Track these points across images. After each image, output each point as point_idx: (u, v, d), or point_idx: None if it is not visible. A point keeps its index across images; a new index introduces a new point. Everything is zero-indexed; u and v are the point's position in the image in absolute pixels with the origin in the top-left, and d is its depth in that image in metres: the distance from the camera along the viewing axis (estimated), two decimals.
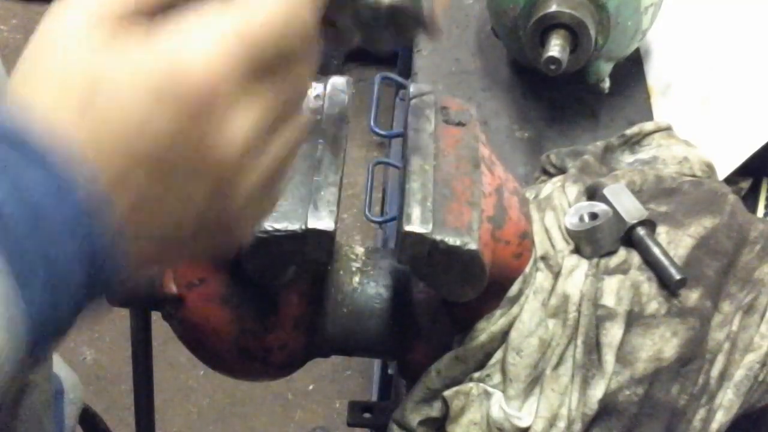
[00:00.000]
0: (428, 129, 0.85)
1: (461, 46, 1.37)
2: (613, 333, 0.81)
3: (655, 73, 1.32)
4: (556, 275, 0.83)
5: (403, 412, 0.85)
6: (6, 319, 0.41)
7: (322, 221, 0.76)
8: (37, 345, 0.44)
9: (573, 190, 0.89)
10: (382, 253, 0.89)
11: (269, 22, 0.51)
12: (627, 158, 1.01)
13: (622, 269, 0.83)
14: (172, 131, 0.48)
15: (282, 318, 0.84)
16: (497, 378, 0.82)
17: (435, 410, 0.85)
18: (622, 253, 0.84)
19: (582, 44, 1.17)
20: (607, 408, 0.82)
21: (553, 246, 0.84)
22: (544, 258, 0.83)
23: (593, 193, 0.88)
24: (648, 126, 1.02)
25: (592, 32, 1.17)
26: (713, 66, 1.28)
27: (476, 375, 0.83)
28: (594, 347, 0.82)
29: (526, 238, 0.83)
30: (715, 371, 0.84)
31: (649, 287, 0.83)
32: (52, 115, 0.47)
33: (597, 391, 0.81)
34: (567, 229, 0.85)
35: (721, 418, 0.84)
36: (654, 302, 0.83)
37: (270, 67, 0.51)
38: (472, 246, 0.77)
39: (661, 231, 0.86)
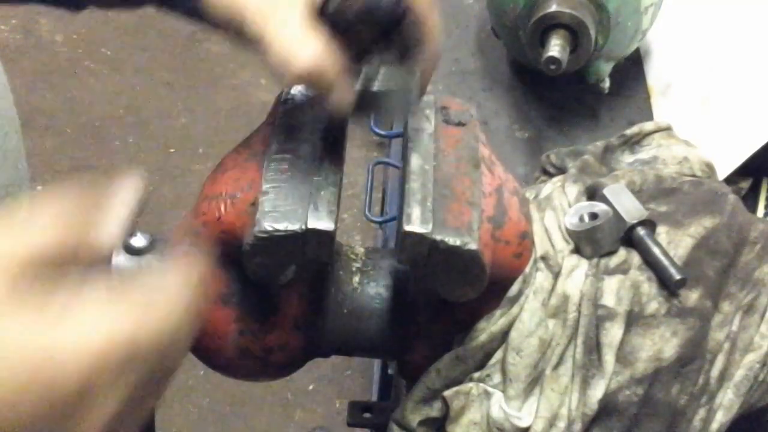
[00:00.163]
0: (428, 129, 0.85)
1: (461, 46, 1.37)
2: (613, 333, 0.81)
3: (655, 73, 1.32)
4: (556, 275, 0.83)
5: (403, 412, 0.85)
6: None
7: (322, 221, 0.76)
8: None
9: (573, 190, 0.89)
10: (382, 253, 0.89)
11: (160, 332, 0.51)
12: (627, 158, 1.01)
13: (622, 269, 0.84)
14: (35, 415, 0.48)
15: (282, 318, 0.84)
16: (497, 378, 0.82)
17: (435, 410, 0.85)
18: (622, 253, 0.84)
19: (582, 44, 1.17)
20: (607, 408, 0.82)
21: (553, 246, 0.85)
22: (544, 258, 0.84)
23: (593, 193, 0.88)
24: (648, 126, 1.02)
25: (592, 32, 1.17)
26: (713, 66, 1.28)
27: (476, 375, 0.83)
28: (594, 347, 0.82)
29: (526, 238, 0.83)
30: (715, 371, 0.84)
31: (649, 287, 0.83)
32: None
33: (597, 391, 0.81)
34: (567, 229, 0.85)
35: (721, 418, 0.84)
36: (654, 302, 0.83)
37: (143, 373, 0.51)
38: (472, 246, 0.77)
39: (661, 231, 0.86)
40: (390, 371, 1.41)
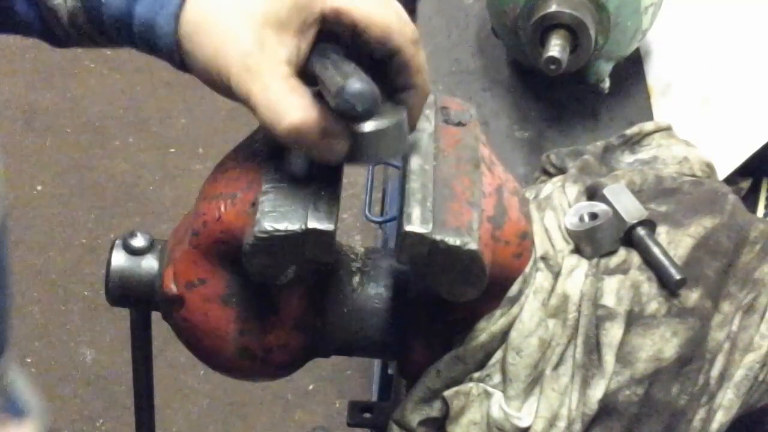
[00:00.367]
0: (428, 129, 0.85)
1: (461, 46, 1.37)
2: (613, 333, 0.81)
3: (655, 73, 1.32)
4: (556, 275, 0.83)
5: (403, 412, 0.85)
6: None
7: (322, 221, 0.76)
8: None
9: (573, 190, 0.89)
10: (382, 253, 0.89)
11: None
12: (627, 158, 1.01)
13: (622, 269, 0.83)
14: None
15: (282, 318, 0.84)
16: (497, 378, 0.82)
17: (435, 410, 0.85)
18: (622, 253, 0.84)
19: (582, 44, 1.17)
20: (607, 408, 0.82)
21: (553, 246, 0.85)
22: (544, 258, 0.84)
23: (593, 193, 0.88)
24: (648, 126, 1.02)
25: (592, 32, 1.17)
26: (713, 66, 1.28)
27: (476, 375, 0.83)
28: (594, 347, 0.82)
29: (526, 238, 0.83)
30: (715, 371, 0.84)
31: (649, 287, 0.83)
32: None
33: (597, 391, 0.81)
34: (567, 229, 0.85)
35: (721, 418, 0.85)
36: (654, 302, 0.83)
37: None
38: (472, 246, 0.77)
39: (661, 231, 0.86)
40: (390, 371, 1.41)
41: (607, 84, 1.25)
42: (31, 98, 2.86)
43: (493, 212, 0.81)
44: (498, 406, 0.82)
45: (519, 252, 0.82)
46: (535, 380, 0.82)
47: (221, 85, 0.76)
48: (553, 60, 1.14)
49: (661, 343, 0.82)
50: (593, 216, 0.85)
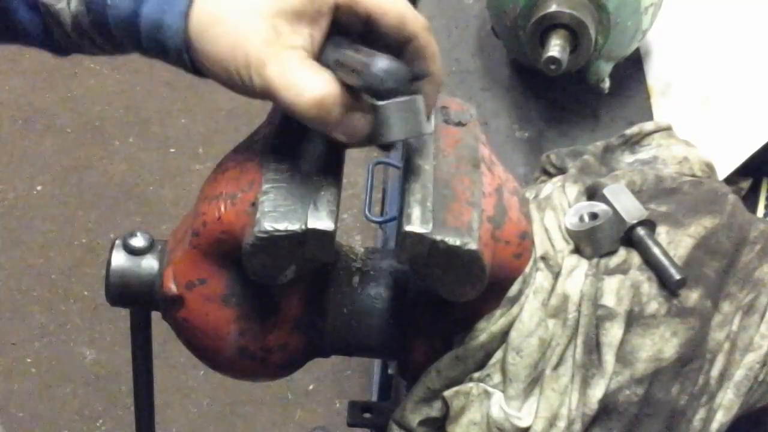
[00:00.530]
0: (428, 129, 0.85)
1: (461, 46, 1.37)
2: (613, 333, 0.81)
3: (655, 73, 1.32)
4: (556, 275, 0.83)
5: (403, 412, 0.85)
6: None
7: (322, 221, 0.76)
8: None
9: (573, 190, 0.89)
10: (382, 253, 0.89)
11: None
12: (627, 158, 1.01)
13: (622, 269, 0.83)
14: None
15: (282, 318, 0.84)
16: (497, 378, 0.82)
17: (435, 410, 0.85)
18: (622, 253, 0.84)
19: (582, 44, 1.17)
20: (607, 408, 0.82)
21: (553, 246, 0.85)
22: (544, 258, 0.84)
23: (593, 193, 0.88)
24: (648, 126, 1.02)
25: (592, 32, 1.17)
26: (713, 66, 1.28)
27: (476, 375, 0.83)
28: (594, 347, 0.82)
29: (526, 238, 0.83)
30: (715, 371, 0.84)
31: (649, 287, 0.83)
32: None
33: (597, 391, 0.81)
34: (567, 229, 0.85)
35: (721, 418, 0.85)
36: (654, 302, 0.83)
37: None
38: (472, 246, 0.77)
39: (661, 231, 0.86)
40: (390, 371, 1.41)
41: (607, 84, 1.25)
42: (31, 98, 2.86)
43: (493, 212, 0.81)
44: (498, 406, 0.82)
45: (519, 252, 0.82)
46: (535, 380, 0.82)
47: (236, 81, 0.76)
48: (553, 60, 1.14)
49: (661, 343, 0.82)
50: (593, 216, 0.85)
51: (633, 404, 0.82)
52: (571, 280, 0.82)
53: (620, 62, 1.26)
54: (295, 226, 0.76)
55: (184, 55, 0.77)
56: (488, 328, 0.82)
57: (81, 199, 2.64)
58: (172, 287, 0.84)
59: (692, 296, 0.83)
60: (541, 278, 0.83)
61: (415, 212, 0.77)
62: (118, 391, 2.27)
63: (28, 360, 2.34)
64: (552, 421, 0.81)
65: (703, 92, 1.26)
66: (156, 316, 0.90)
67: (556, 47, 1.15)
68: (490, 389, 0.82)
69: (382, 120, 0.74)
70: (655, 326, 0.82)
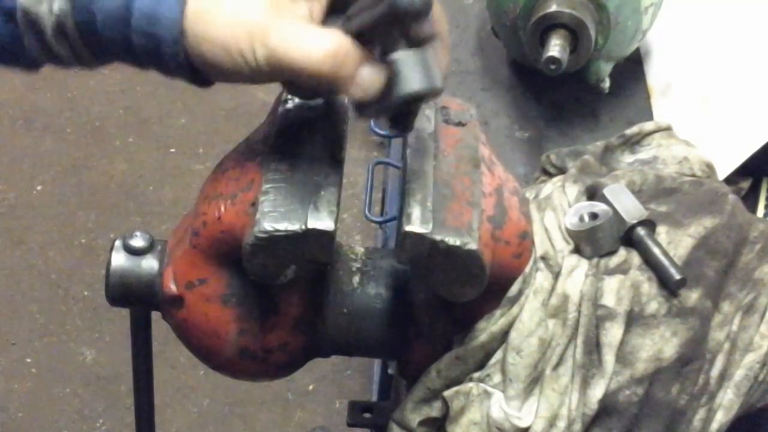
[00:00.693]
0: (428, 129, 0.85)
1: (461, 46, 1.37)
2: (613, 333, 0.81)
3: (655, 73, 1.33)
4: (556, 275, 0.83)
5: (403, 412, 0.86)
6: None
7: (322, 221, 0.76)
8: None
9: (573, 190, 0.89)
10: (382, 253, 0.89)
11: None
12: (627, 158, 1.01)
13: (622, 269, 0.83)
14: None
15: (282, 318, 0.84)
16: (497, 378, 0.82)
17: (435, 410, 0.85)
18: (622, 253, 0.84)
19: (582, 44, 1.17)
20: (607, 408, 0.82)
21: (553, 246, 0.85)
22: (544, 258, 0.84)
23: (593, 193, 0.88)
24: (648, 126, 1.02)
25: (592, 32, 1.17)
26: (713, 66, 1.28)
27: (476, 375, 0.83)
28: (594, 347, 0.82)
29: (526, 238, 0.83)
30: (715, 371, 0.84)
31: (649, 287, 0.83)
32: None
33: (597, 391, 0.81)
34: (567, 229, 0.85)
35: (721, 418, 0.84)
36: (654, 302, 0.83)
37: None
38: (472, 246, 0.77)
39: (661, 231, 0.86)
40: (390, 371, 1.40)
41: (607, 84, 1.25)
42: (31, 98, 2.86)
43: (493, 212, 0.81)
44: (498, 406, 0.82)
45: (519, 252, 0.82)
46: (535, 380, 0.82)
47: (239, 61, 0.73)
48: (553, 60, 1.14)
49: (661, 343, 0.82)
50: (593, 216, 0.85)
51: (633, 404, 0.82)
52: (571, 280, 0.82)
53: (620, 62, 1.26)
54: (295, 226, 0.76)
55: (179, 46, 0.75)
56: (488, 328, 0.82)
57: (81, 199, 2.64)
58: (172, 287, 0.84)
59: (692, 296, 0.83)
60: (541, 278, 0.83)
61: (415, 212, 0.77)
62: (118, 391, 2.27)
63: (28, 360, 2.34)
64: (552, 421, 0.81)
65: (703, 92, 1.26)
66: (156, 316, 0.90)
67: (556, 47, 1.15)
68: (490, 389, 0.82)
69: (397, 72, 0.72)
70: (655, 326, 0.82)
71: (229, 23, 0.73)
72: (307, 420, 2.27)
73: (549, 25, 1.17)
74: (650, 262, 0.84)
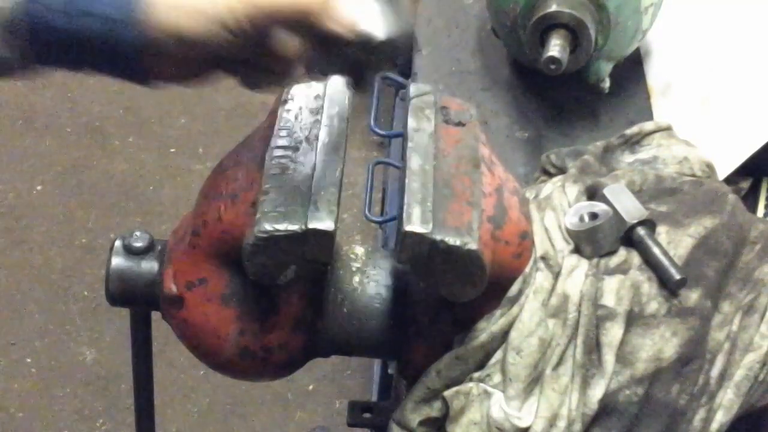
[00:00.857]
0: (428, 129, 0.85)
1: (461, 46, 1.37)
2: (613, 333, 0.81)
3: (655, 73, 1.32)
4: (556, 275, 0.83)
5: (403, 412, 0.85)
6: None
7: (322, 221, 0.76)
8: None
9: (573, 190, 0.89)
10: (382, 253, 0.89)
11: None
12: (627, 158, 1.01)
13: (622, 269, 0.83)
14: None
15: (282, 318, 0.84)
16: (497, 378, 0.82)
17: (435, 410, 0.85)
18: (622, 253, 0.84)
19: (582, 44, 1.17)
20: (607, 408, 0.82)
21: (553, 246, 0.84)
22: (544, 258, 0.83)
23: (593, 193, 0.88)
24: (648, 126, 1.02)
25: (592, 32, 1.17)
26: (713, 66, 1.28)
27: (476, 375, 0.83)
28: (594, 347, 0.82)
29: (526, 238, 0.83)
30: (715, 371, 0.84)
31: (649, 287, 0.83)
32: None
33: (597, 391, 0.81)
34: (567, 229, 0.85)
35: (721, 418, 0.84)
36: (654, 302, 0.83)
37: None
38: (472, 246, 0.77)
39: (661, 231, 0.86)
40: (390, 371, 1.40)
41: (607, 84, 1.25)
42: (31, 98, 2.85)
43: (493, 212, 0.81)
44: (498, 406, 0.82)
45: (519, 252, 0.82)
46: (535, 380, 0.82)
47: (214, 24, 0.71)
48: (553, 60, 1.14)
49: (661, 343, 0.82)
50: (593, 216, 0.85)
51: (633, 404, 0.82)
52: (571, 280, 0.82)
53: (620, 62, 1.26)
54: (295, 226, 0.76)
55: (147, 24, 0.71)
56: (488, 328, 0.82)
57: (81, 199, 2.64)
58: (173, 287, 0.84)
59: (692, 296, 0.83)
60: (541, 278, 0.83)
61: (415, 212, 0.77)
62: (118, 391, 2.27)
63: (28, 360, 2.34)
64: (552, 421, 0.81)
65: (703, 92, 1.26)
66: (156, 316, 0.90)
67: (556, 47, 1.15)
68: (490, 389, 0.82)
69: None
70: (655, 326, 0.82)
71: None
72: (307, 420, 2.27)
73: (549, 25, 1.17)
74: (650, 262, 0.84)
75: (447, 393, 0.83)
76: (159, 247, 0.87)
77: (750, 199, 1.17)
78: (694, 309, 0.83)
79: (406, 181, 0.80)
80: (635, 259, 0.84)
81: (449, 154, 0.83)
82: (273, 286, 0.83)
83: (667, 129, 1.02)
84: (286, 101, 0.86)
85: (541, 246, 0.84)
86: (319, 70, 0.77)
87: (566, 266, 0.83)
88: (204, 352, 0.86)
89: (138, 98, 2.88)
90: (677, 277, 0.82)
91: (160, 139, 2.79)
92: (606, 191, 0.87)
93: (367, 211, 0.97)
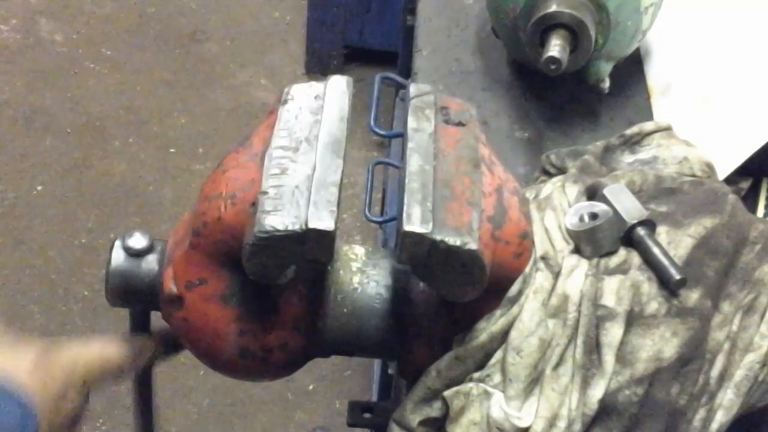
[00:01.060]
0: (428, 129, 0.85)
1: (461, 46, 1.37)
2: (613, 333, 0.81)
3: (655, 73, 1.33)
4: (556, 275, 0.83)
5: (403, 412, 0.85)
6: None
7: (322, 221, 0.76)
8: None
9: (573, 190, 0.89)
10: (382, 253, 0.89)
11: None
12: (627, 158, 1.01)
13: (622, 269, 0.83)
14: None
15: (282, 318, 0.84)
16: (497, 378, 0.82)
17: (435, 410, 0.85)
18: (622, 253, 0.84)
19: (582, 44, 1.17)
20: (607, 408, 0.82)
21: (553, 246, 0.85)
22: (544, 258, 0.83)
23: (593, 193, 0.88)
24: (648, 126, 1.02)
25: (592, 32, 1.17)
26: (713, 66, 1.28)
27: (476, 375, 0.83)
28: (594, 347, 0.82)
29: (526, 238, 0.83)
30: (715, 371, 0.84)
31: (649, 287, 0.83)
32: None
33: (597, 391, 0.81)
34: (567, 229, 0.85)
35: (721, 418, 0.84)
36: (654, 302, 0.83)
37: None
38: (472, 246, 0.77)
39: (661, 231, 0.86)
40: (390, 371, 1.40)
41: (607, 84, 1.25)
42: (31, 98, 2.86)
43: (493, 212, 0.81)
44: (498, 406, 0.82)
45: (519, 252, 0.82)
46: (535, 380, 0.82)
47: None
48: (553, 60, 1.14)
49: (661, 343, 0.82)
50: (593, 216, 0.85)
51: (633, 404, 0.82)
52: (571, 280, 0.82)
53: (620, 62, 1.26)
54: (295, 226, 0.76)
55: None
56: (488, 328, 0.82)
57: (81, 199, 2.64)
58: (172, 287, 0.84)
59: (692, 296, 0.83)
60: (541, 278, 0.83)
61: (415, 212, 0.77)
62: (118, 391, 2.27)
63: None
64: (552, 421, 0.81)
65: (703, 92, 1.26)
66: (156, 316, 0.90)
67: (556, 47, 1.15)
68: (490, 389, 0.82)
69: None
70: (655, 326, 0.82)
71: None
72: (307, 420, 2.27)
73: (549, 25, 1.17)
74: (650, 262, 0.84)
75: (447, 393, 0.83)
76: (159, 247, 0.87)
77: (750, 199, 1.17)
78: (694, 309, 0.83)
79: (406, 181, 0.80)
80: (635, 259, 0.84)
81: (449, 154, 0.83)
82: (273, 286, 0.83)
83: (667, 129, 1.02)
84: (286, 101, 0.86)
85: (541, 246, 0.84)
86: None
87: (566, 266, 0.83)
88: (204, 352, 0.86)
89: (138, 98, 2.88)
90: (677, 277, 0.82)
91: (160, 139, 2.79)
92: (606, 191, 0.87)
93: (367, 211, 0.97)
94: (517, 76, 1.33)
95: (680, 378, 0.83)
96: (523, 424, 0.81)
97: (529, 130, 1.27)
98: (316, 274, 0.85)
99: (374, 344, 0.87)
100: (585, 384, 0.81)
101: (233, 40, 3.05)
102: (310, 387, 2.32)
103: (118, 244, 0.87)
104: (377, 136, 0.96)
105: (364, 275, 0.87)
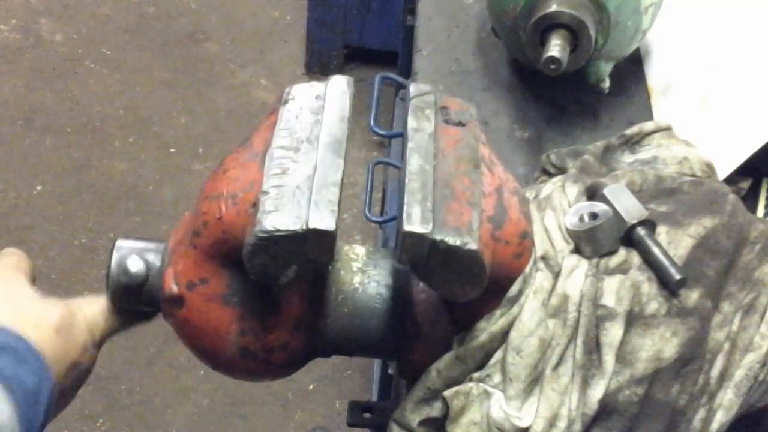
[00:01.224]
0: (428, 129, 0.85)
1: (461, 46, 1.37)
2: (613, 333, 0.81)
3: (655, 73, 1.33)
4: (556, 275, 0.83)
5: (403, 412, 0.86)
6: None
7: (323, 221, 0.76)
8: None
9: (573, 190, 0.89)
10: (382, 253, 0.89)
11: None
12: (627, 158, 1.01)
13: (622, 269, 0.84)
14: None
15: (283, 318, 0.84)
16: (497, 378, 0.82)
17: (435, 410, 0.85)
18: (622, 253, 0.84)
19: (582, 44, 1.17)
20: (607, 408, 0.82)
21: (553, 246, 0.85)
22: (544, 258, 0.84)
23: (593, 193, 0.88)
24: (648, 126, 1.02)
25: (592, 32, 1.17)
26: (713, 66, 1.28)
27: (476, 375, 0.83)
28: (594, 347, 0.82)
29: (526, 238, 0.83)
30: (715, 371, 0.84)
31: (649, 287, 0.83)
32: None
33: (597, 391, 0.81)
34: (567, 229, 0.85)
35: (721, 418, 0.85)
36: (654, 302, 0.83)
37: None
38: (472, 246, 0.77)
39: (661, 231, 0.86)
40: (390, 371, 1.41)
41: (607, 84, 1.26)
42: (31, 98, 2.86)
43: (493, 212, 0.81)
44: (498, 406, 0.82)
45: (519, 252, 0.82)
46: (535, 380, 0.82)
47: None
48: (553, 60, 1.14)
49: (661, 343, 0.82)
50: (593, 216, 0.85)
51: (633, 404, 0.82)
52: (571, 280, 0.82)
53: (620, 62, 1.26)
54: (296, 226, 0.76)
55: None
56: (488, 328, 0.82)
57: (81, 199, 2.64)
58: (173, 287, 0.84)
59: (692, 296, 0.83)
60: (541, 278, 0.83)
61: (415, 212, 0.77)
62: (118, 391, 2.27)
63: None
64: (552, 421, 0.81)
65: (703, 92, 1.26)
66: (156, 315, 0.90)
67: (556, 47, 1.15)
68: (490, 389, 0.82)
69: None
70: (655, 326, 0.82)
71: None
72: (307, 420, 2.27)
73: (549, 25, 1.17)
74: (650, 262, 0.84)
75: (447, 393, 0.83)
76: (159, 247, 0.87)
77: (750, 199, 1.17)
78: (694, 309, 0.83)
79: (406, 180, 0.80)
80: (635, 259, 0.84)
81: (449, 154, 0.83)
82: (274, 286, 0.83)
83: (667, 129, 1.02)
84: (287, 101, 0.86)
85: (541, 246, 0.84)
86: None
87: (566, 266, 0.83)
88: (204, 352, 0.86)
89: (138, 98, 2.88)
90: (677, 277, 0.82)
91: (160, 139, 2.79)
92: (606, 191, 0.87)
93: (367, 211, 0.97)
94: (517, 76, 1.33)
95: (680, 378, 0.83)
96: (523, 424, 0.81)
97: (529, 130, 1.27)
98: (317, 274, 0.85)
99: (374, 344, 0.87)
100: (585, 384, 0.82)
101: (233, 40, 3.05)
102: (310, 387, 2.32)
103: (118, 243, 0.87)
104: (377, 136, 0.96)
105: (364, 275, 0.87)
